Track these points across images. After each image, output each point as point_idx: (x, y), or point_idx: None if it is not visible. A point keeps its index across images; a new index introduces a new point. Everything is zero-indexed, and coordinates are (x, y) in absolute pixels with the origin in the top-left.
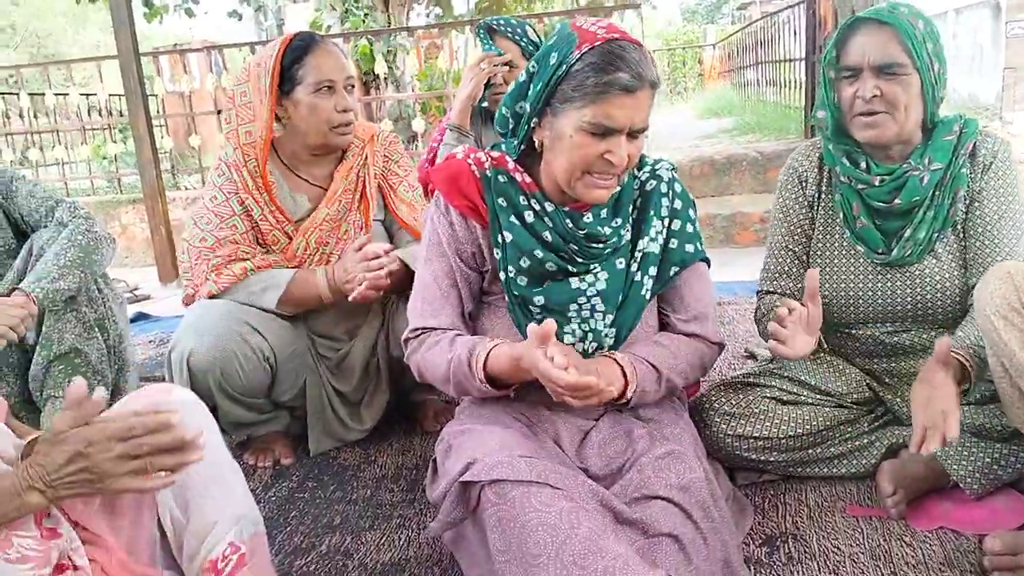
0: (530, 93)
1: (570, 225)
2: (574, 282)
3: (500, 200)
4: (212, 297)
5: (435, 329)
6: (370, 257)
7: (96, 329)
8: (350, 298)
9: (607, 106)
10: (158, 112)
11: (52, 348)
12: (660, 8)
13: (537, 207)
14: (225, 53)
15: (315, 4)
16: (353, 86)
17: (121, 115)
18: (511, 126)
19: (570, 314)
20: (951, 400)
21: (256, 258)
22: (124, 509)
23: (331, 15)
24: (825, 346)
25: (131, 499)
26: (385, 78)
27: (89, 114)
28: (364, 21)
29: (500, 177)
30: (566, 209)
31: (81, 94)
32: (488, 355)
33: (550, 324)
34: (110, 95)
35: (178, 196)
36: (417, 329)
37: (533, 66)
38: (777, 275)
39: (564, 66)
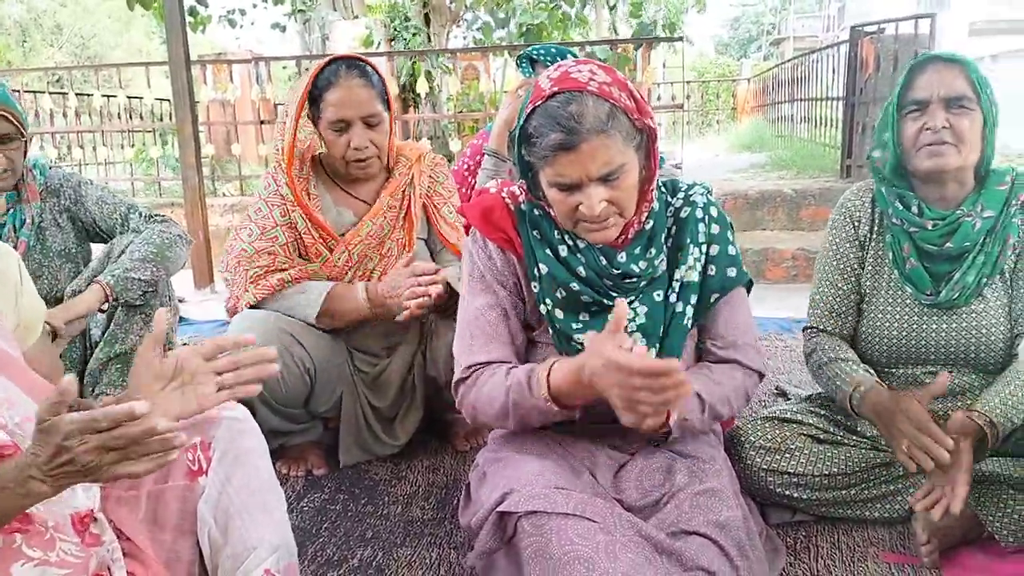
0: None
1: (604, 262)
2: None
3: (535, 232)
4: (252, 307)
5: (488, 364)
6: (419, 273)
7: None
8: (398, 318)
9: (556, 167)
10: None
11: (114, 346)
12: (694, 40)
13: (570, 243)
14: (270, 65)
15: (364, 22)
16: (374, 123)
17: (160, 120)
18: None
19: None
20: (964, 474)
21: (294, 269)
22: (167, 522)
23: (379, 32)
24: None
25: (175, 512)
26: (425, 97)
27: (131, 117)
28: (411, 40)
29: (535, 211)
30: (599, 247)
31: (127, 96)
32: (550, 371)
33: (623, 307)
34: (156, 99)
35: (216, 203)
36: (470, 367)
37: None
38: (826, 313)
39: (520, 128)
